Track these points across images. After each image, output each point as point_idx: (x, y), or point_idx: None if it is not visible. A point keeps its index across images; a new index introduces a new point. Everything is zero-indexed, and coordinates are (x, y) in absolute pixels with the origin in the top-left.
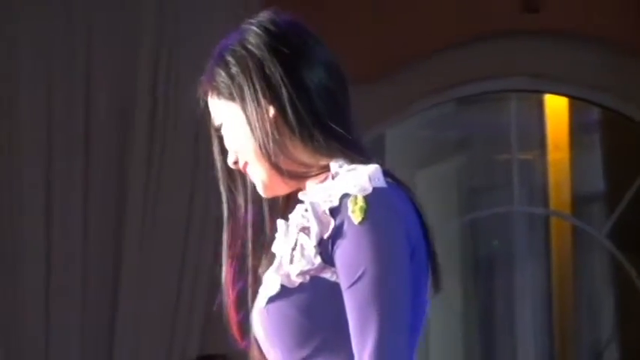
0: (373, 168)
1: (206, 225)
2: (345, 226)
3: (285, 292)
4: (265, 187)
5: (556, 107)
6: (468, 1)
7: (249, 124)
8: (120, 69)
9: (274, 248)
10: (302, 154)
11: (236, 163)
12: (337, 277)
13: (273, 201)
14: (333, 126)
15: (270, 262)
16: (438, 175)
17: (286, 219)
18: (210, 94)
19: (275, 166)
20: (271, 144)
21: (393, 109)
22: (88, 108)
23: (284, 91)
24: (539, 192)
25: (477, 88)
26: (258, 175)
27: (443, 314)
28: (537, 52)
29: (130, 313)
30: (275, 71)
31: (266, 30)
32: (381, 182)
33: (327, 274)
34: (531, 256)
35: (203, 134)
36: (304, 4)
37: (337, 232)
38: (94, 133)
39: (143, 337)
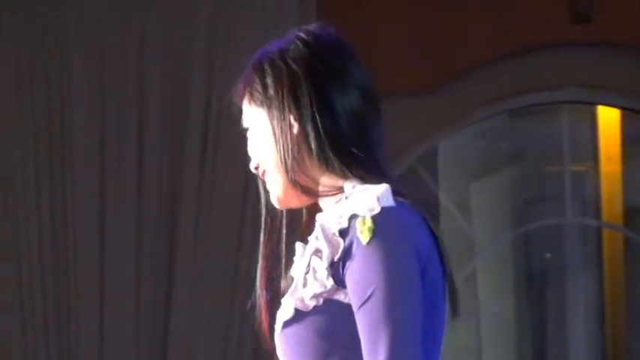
0: (382, 188)
1: (258, 232)
2: (354, 247)
3: (299, 315)
4: (279, 198)
5: (608, 119)
6: (519, 13)
7: (273, 135)
8: (173, 75)
9: (292, 272)
10: (319, 174)
11: (257, 168)
12: (347, 296)
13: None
14: (355, 151)
15: (290, 285)
16: (491, 186)
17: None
18: (243, 96)
19: (291, 181)
20: (290, 159)
21: (447, 121)
22: (141, 112)
23: (309, 111)
24: (592, 204)
25: (530, 99)
26: (274, 185)
27: (496, 326)
28: (590, 63)
29: (184, 321)
30: (306, 91)
31: (308, 46)
32: (389, 202)
33: (340, 296)
34: (584, 268)
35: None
36: (361, 16)
37: (347, 254)
38: (146, 137)
39: (197, 347)
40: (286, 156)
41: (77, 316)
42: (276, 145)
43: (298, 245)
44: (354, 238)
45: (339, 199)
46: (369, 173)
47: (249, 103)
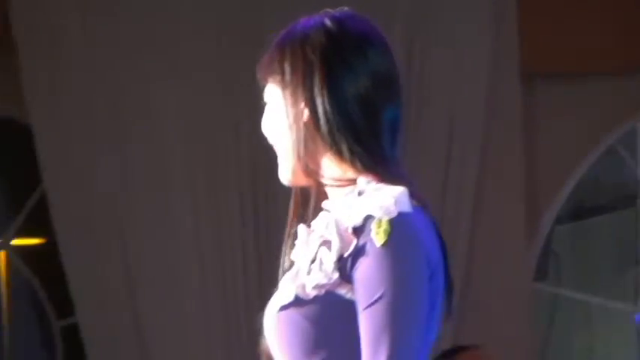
0: (400, 191)
1: (459, 226)
2: (367, 247)
3: (298, 302)
4: (287, 176)
5: None
6: None
7: (286, 118)
8: None
9: (293, 255)
10: (329, 163)
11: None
12: (352, 294)
13: (303, 203)
14: (365, 141)
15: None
16: None
17: (308, 224)
18: (264, 72)
19: (301, 163)
20: (302, 145)
21: None
22: None
23: (320, 100)
24: None
25: None
26: (284, 163)
27: None
28: None
29: None
30: (318, 79)
31: (328, 33)
32: (406, 207)
33: (342, 291)
34: None
35: (456, 158)
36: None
37: (358, 252)
38: None
39: None
40: (298, 141)
41: None
42: (289, 129)
43: (301, 228)
44: (368, 238)
45: (350, 191)
46: (378, 165)
47: (270, 80)
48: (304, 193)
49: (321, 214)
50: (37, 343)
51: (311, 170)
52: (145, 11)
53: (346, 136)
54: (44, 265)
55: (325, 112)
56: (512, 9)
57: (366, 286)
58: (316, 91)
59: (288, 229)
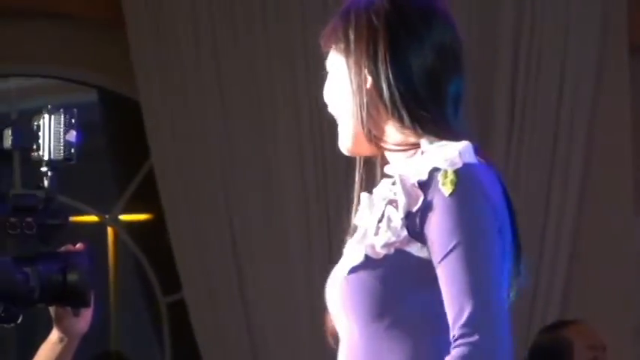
0: (464, 144)
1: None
2: (436, 200)
3: (369, 262)
4: (347, 144)
5: None
6: None
7: (350, 85)
8: (480, 35)
9: (357, 220)
10: (391, 129)
11: (327, 106)
12: (423, 252)
13: (367, 174)
14: (428, 110)
15: (352, 234)
16: None
17: (370, 192)
18: (328, 40)
19: (365, 130)
20: (365, 111)
21: None
22: None
23: (383, 68)
24: None
25: None
26: (345, 131)
27: None
28: None
29: None
30: (382, 47)
31: (394, 2)
32: (471, 158)
33: (412, 249)
34: None
35: (563, 133)
36: None
37: (427, 206)
38: None
39: None
40: (361, 108)
41: None
42: (352, 96)
43: (364, 195)
44: (435, 190)
45: (413, 154)
46: (441, 130)
47: (334, 48)
48: (368, 164)
49: (384, 180)
50: (144, 319)
51: (373, 136)
52: None
53: (408, 103)
54: (152, 241)
55: (388, 80)
56: None
57: (440, 236)
58: (380, 58)
59: (355, 202)
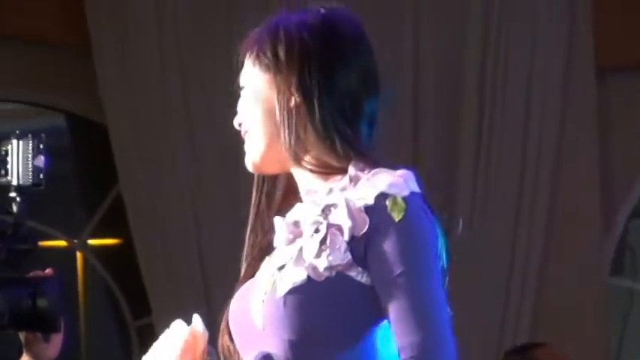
0: (406, 172)
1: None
2: (384, 225)
3: (310, 283)
4: (255, 161)
5: None
6: None
7: (277, 104)
8: (446, 59)
9: (276, 242)
10: (316, 150)
11: (240, 125)
12: (363, 276)
13: (268, 197)
14: (355, 133)
15: (259, 257)
16: None
17: (269, 212)
18: (249, 54)
19: (289, 150)
20: (292, 132)
21: None
22: (416, 98)
23: (316, 90)
24: None
25: None
26: (255, 148)
27: None
28: None
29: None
30: (315, 68)
31: (326, 24)
32: (415, 187)
33: (352, 273)
34: None
35: (533, 131)
36: None
37: (374, 230)
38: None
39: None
40: (288, 127)
41: None
42: (277, 113)
43: (277, 219)
44: (383, 215)
45: (333, 178)
46: (366, 157)
47: (254, 63)
48: (268, 184)
49: (304, 203)
50: (114, 343)
51: (294, 156)
52: (218, 10)
53: (339, 126)
54: (120, 266)
55: (321, 102)
56: (586, 5)
57: (388, 262)
58: (313, 80)
59: (252, 219)
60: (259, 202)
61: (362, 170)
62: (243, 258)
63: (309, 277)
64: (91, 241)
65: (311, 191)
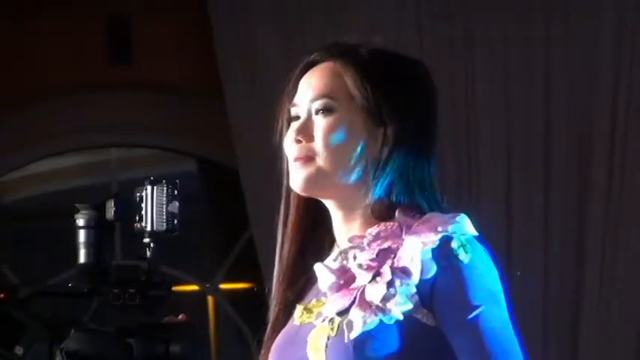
0: (463, 215)
1: None
2: (453, 267)
3: (381, 327)
4: (307, 183)
5: None
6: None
7: (362, 138)
8: (578, 93)
9: (322, 286)
10: (364, 191)
11: (299, 142)
12: (429, 318)
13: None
14: (430, 190)
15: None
16: None
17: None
18: (338, 67)
19: (339, 181)
20: (374, 179)
21: None
22: (548, 135)
23: (415, 138)
24: None
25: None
26: (312, 170)
27: None
28: (130, 105)
29: (593, 336)
30: (415, 121)
31: (421, 74)
32: (473, 229)
33: (419, 315)
34: None
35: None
36: None
37: (442, 273)
38: (553, 161)
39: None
40: (361, 163)
41: None
42: (356, 146)
43: (318, 265)
44: (450, 257)
45: (382, 224)
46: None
47: (351, 96)
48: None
49: (345, 243)
50: None
51: (375, 209)
52: None
53: (424, 185)
54: (252, 310)
55: (416, 150)
56: None
57: (460, 302)
58: (409, 130)
59: (287, 245)
60: (298, 226)
61: (411, 217)
62: (274, 303)
63: (381, 320)
64: (223, 285)
65: (357, 236)
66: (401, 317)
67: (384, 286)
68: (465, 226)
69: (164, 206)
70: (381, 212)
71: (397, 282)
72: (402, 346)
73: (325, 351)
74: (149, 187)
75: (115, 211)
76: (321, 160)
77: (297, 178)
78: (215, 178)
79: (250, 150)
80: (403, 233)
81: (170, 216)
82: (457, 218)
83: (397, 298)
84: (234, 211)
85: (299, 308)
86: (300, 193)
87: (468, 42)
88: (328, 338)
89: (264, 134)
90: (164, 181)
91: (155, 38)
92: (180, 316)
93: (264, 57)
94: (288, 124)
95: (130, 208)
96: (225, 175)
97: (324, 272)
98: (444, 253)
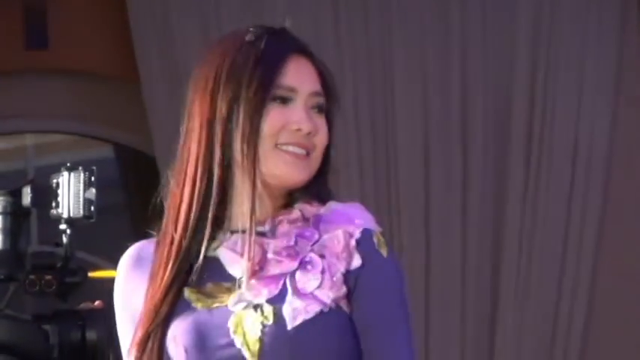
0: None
1: (585, 229)
2: (374, 260)
3: (320, 315)
4: (304, 178)
5: None
6: None
7: (330, 138)
8: (496, 70)
9: (235, 272)
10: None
11: (309, 134)
12: (348, 308)
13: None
14: None
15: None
16: None
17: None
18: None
19: (321, 172)
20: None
21: None
22: (464, 110)
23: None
24: None
25: None
26: (312, 168)
27: None
28: (47, 91)
29: (509, 324)
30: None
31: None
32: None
33: (343, 304)
34: None
35: (582, 139)
36: None
37: (364, 264)
38: (470, 134)
39: (523, 350)
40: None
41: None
42: (329, 147)
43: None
44: (371, 250)
45: (317, 208)
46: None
47: (329, 100)
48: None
49: (289, 228)
50: None
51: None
52: None
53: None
54: None
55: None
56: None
57: (378, 296)
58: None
59: (250, 228)
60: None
61: (310, 204)
62: (171, 261)
63: (321, 310)
64: None
65: (263, 221)
66: (332, 305)
67: (319, 275)
68: (373, 220)
69: (81, 193)
70: (285, 197)
71: (330, 271)
72: (336, 334)
73: (260, 339)
74: (66, 174)
75: (31, 197)
76: (313, 157)
77: (298, 172)
78: (132, 164)
79: (167, 136)
80: (311, 222)
81: (87, 202)
82: (367, 212)
83: (332, 286)
84: (151, 197)
85: (188, 291)
86: (290, 186)
87: (384, 30)
88: (264, 326)
89: (180, 120)
90: (81, 168)
91: (71, 23)
92: (96, 303)
93: (181, 42)
94: (264, 94)
95: (47, 195)
96: (143, 161)
97: (232, 257)
98: (366, 246)
